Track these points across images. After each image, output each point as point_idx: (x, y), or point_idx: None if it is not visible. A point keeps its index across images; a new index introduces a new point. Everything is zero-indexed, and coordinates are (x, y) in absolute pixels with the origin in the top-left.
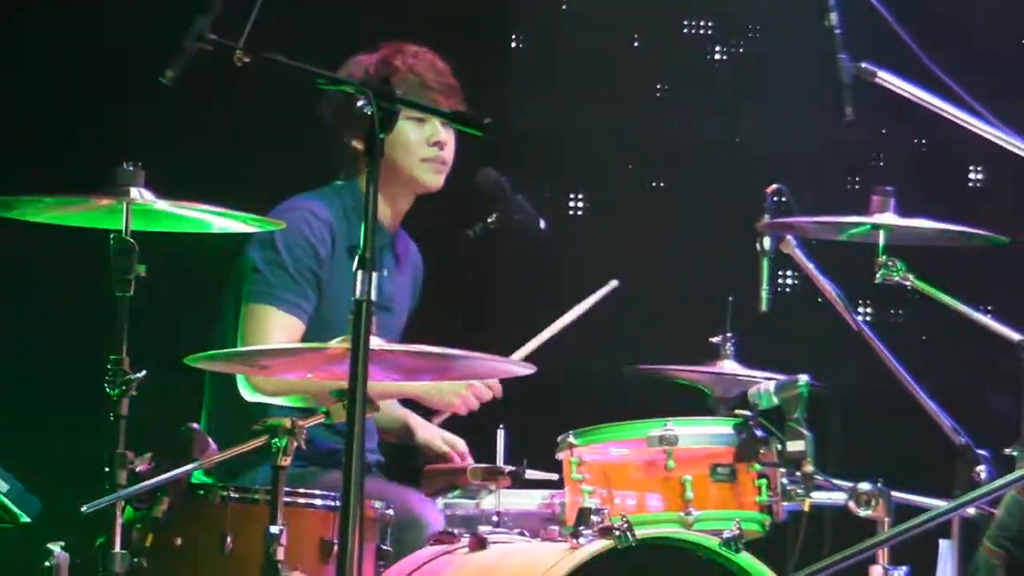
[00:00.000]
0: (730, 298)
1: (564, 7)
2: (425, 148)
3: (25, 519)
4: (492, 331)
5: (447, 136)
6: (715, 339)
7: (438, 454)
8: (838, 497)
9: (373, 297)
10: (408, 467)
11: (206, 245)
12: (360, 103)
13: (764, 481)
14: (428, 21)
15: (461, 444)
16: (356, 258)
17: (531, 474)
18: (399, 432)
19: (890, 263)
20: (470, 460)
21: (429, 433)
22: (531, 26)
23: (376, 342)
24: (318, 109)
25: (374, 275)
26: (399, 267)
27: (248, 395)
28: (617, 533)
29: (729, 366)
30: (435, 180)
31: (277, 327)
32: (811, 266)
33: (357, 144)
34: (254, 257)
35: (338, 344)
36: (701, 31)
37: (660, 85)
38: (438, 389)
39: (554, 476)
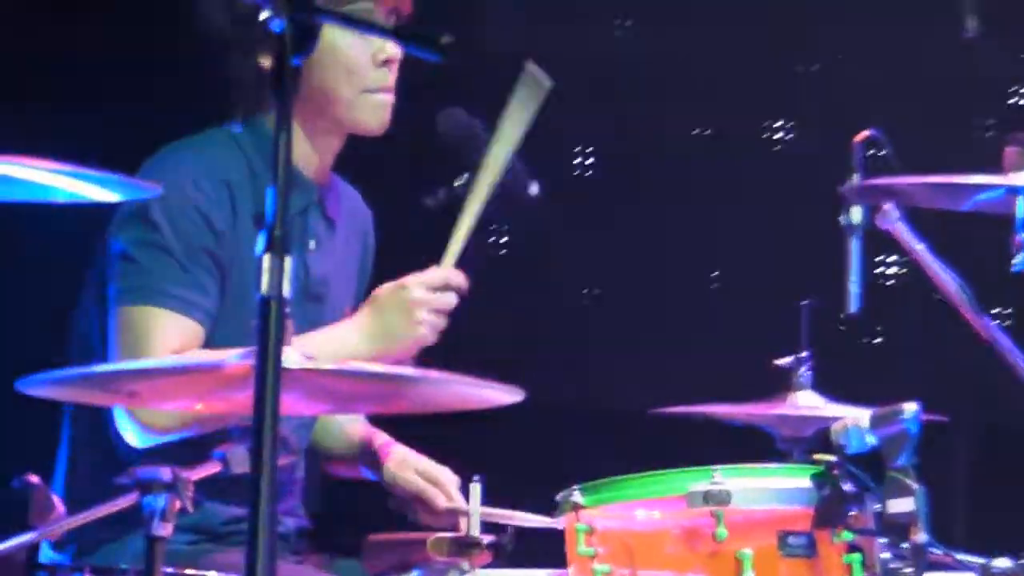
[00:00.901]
0: (804, 301)
1: None
2: (372, 72)
3: None
4: (464, 342)
5: (396, 52)
6: (783, 361)
7: (410, 493)
8: None
9: (288, 290)
10: (346, 533)
11: (54, 220)
12: (263, 14)
13: (856, 556)
14: None
15: (446, 475)
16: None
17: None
18: (354, 458)
19: None
20: (460, 501)
21: (400, 460)
22: None
23: (293, 358)
24: (197, 11)
25: (289, 259)
26: (335, 234)
27: (134, 439)
28: None
29: (804, 400)
30: (381, 118)
31: (167, 336)
32: (921, 247)
33: (264, 62)
34: (122, 240)
35: (238, 360)
36: None
37: None
38: (384, 331)
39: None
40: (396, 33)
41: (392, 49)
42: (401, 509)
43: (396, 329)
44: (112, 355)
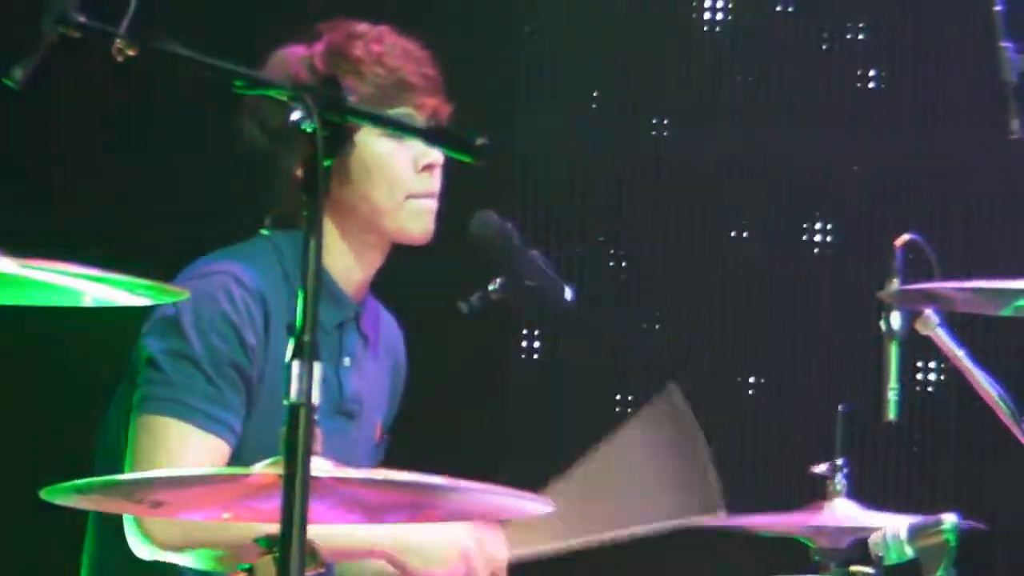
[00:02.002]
0: (840, 407)
1: None
2: (414, 178)
3: None
4: (496, 454)
5: (438, 157)
6: (819, 469)
7: None
8: None
9: (318, 397)
10: None
11: (82, 325)
12: (294, 115)
13: None
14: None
15: None
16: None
17: None
18: None
19: None
20: None
21: None
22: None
23: (322, 466)
24: (236, 122)
25: (318, 367)
26: (369, 351)
27: (142, 550)
28: None
29: (841, 509)
30: (425, 225)
31: (187, 451)
32: (962, 354)
33: (299, 172)
34: (151, 347)
35: (264, 469)
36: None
37: (747, 90)
38: (424, 549)
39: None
40: (428, 134)
41: (434, 154)
42: None
43: (429, 554)
44: (128, 462)
